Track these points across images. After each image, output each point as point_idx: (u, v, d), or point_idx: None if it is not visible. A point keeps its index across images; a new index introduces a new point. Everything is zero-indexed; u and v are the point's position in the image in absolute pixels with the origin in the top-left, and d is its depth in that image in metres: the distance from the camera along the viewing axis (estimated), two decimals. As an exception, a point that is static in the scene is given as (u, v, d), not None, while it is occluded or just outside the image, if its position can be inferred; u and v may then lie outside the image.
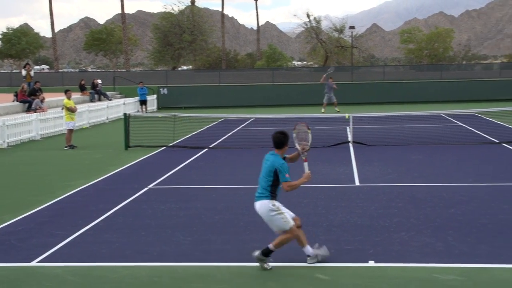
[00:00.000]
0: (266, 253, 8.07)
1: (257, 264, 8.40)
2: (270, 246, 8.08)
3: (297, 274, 7.97)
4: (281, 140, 8.30)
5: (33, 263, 8.70)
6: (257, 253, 8.10)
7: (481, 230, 9.82)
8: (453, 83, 44.51)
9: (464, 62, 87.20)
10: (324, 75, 36.14)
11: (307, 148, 8.78)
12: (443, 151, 18.68)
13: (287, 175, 8.09)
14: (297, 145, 8.72)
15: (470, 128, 24.78)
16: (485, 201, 11.80)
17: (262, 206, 8.13)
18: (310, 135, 8.87)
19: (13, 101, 32.27)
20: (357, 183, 14.07)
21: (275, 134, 8.36)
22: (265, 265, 8.07)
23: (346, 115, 22.03)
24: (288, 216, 8.17)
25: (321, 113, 31.98)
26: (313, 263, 8.17)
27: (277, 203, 8.17)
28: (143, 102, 37.77)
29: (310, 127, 8.90)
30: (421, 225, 10.15)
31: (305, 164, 8.58)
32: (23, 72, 36.94)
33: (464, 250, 8.82)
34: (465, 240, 9.28)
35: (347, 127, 22.77)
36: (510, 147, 19.11)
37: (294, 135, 8.76)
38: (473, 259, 8.41)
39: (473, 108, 29.78)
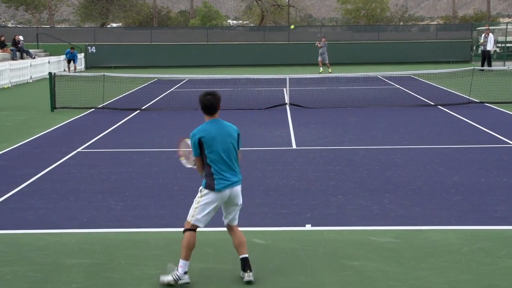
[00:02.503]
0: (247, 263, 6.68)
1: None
2: (245, 255, 6.70)
3: (233, 238, 8.02)
4: (212, 103, 6.60)
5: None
6: (246, 276, 6.62)
7: (416, 192, 10.09)
8: (390, 45, 45.22)
9: (401, 23, 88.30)
10: (318, 41, 35.86)
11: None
12: (379, 114, 19.02)
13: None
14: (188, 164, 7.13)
15: (407, 91, 25.27)
16: (420, 164, 12.10)
17: (239, 189, 6.72)
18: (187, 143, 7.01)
19: None
20: (294, 146, 14.20)
21: (203, 97, 6.61)
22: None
23: (292, 26, 21.67)
24: None
25: (329, 72, 32.69)
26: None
27: None
28: (69, 61, 36.86)
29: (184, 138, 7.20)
30: (358, 188, 10.36)
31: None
32: None
33: (400, 212, 9.06)
34: (400, 202, 9.53)
35: (284, 89, 22.87)
36: (446, 110, 19.60)
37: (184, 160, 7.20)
38: (408, 221, 8.65)
39: (409, 70, 30.40)
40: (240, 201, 6.71)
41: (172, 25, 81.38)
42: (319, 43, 35.50)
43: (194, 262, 7.21)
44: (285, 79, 22.35)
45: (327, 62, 35.26)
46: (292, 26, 18.84)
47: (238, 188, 6.61)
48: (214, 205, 6.53)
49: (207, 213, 6.54)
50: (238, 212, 6.82)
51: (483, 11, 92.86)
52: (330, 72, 33.68)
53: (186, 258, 6.48)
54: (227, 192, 6.50)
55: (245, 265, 6.58)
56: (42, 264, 7.26)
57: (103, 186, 10.73)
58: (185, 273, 6.48)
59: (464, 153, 13.23)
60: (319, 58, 35.42)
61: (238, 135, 6.70)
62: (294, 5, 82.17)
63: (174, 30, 62.81)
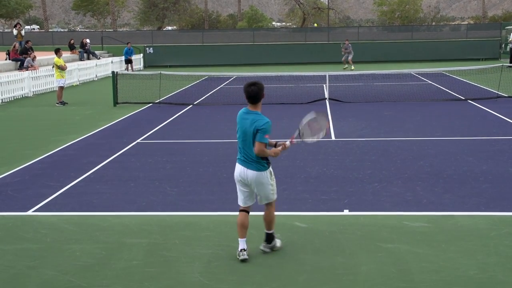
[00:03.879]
0: (271, 238, 6.90)
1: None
2: (268, 231, 6.88)
3: (278, 222, 8.01)
4: (256, 93, 6.56)
5: (30, 212, 8.70)
6: (265, 249, 6.88)
7: (447, 181, 9.95)
8: (423, 43, 44.53)
9: (433, 23, 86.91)
10: (343, 48, 37.17)
11: (304, 139, 7.07)
12: (413, 108, 18.78)
13: (267, 136, 6.47)
14: (302, 124, 6.98)
15: (438, 86, 24.89)
16: (451, 154, 11.93)
17: (259, 177, 6.55)
18: (316, 139, 7.12)
19: (6, 59, 31.80)
20: (333, 137, 14.12)
21: (248, 87, 6.60)
22: (277, 246, 6.96)
23: (315, 24, 21.71)
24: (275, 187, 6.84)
25: (351, 70, 34.03)
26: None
27: (272, 171, 6.76)
28: (128, 61, 37.16)
29: (325, 134, 7.15)
30: (392, 177, 10.26)
31: (289, 142, 6.87)
32: (14, 31, 36.03)
33: (431, 199, 8.95)
34: (432, 190, 9.40)
35: (324, 85, 22.74)
36: (476, 104, 19.26)
37: (313, 116, 7.01)
38: (439, 207, 8.54)
39: (441, 67, 29.91)
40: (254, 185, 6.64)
41: (221, 27, 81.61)
42: (344, 49, 36.57)
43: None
44: (325, 76, 22.22)
45: (343, 60, 36.64)
46: (316, 24, 18.78)
47: (250, 172, 6.60)
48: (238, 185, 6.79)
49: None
50: (267, 193, 6.71)
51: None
52: (344, 69, 34.91)
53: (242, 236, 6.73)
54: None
55: (267, 238, 6.92)
56: (106, 242, 7.38)
57: (160, 174, 10.84)
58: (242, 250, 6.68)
59: (493, 144, 12.98)
60: (349, 57, 35.97)
61: (257, 129, 6.45)
62: (333, 7, 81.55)
63: (223, 32, 62.97)
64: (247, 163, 6.57)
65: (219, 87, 26.71)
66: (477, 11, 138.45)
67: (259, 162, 6.55)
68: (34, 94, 24.95)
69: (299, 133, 6.96)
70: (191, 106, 20.27)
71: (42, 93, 25.51)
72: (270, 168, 6.70)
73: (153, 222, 8.17)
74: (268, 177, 6.61)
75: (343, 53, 36.81)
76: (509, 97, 20.56)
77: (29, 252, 7.11)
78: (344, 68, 35.35)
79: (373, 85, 25.22)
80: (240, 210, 6.77)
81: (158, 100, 21.21)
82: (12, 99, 23.26)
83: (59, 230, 7.88)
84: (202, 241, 7.37)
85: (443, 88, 24.19)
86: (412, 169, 10.81)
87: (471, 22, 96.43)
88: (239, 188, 6.74)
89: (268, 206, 6.78)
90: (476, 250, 6.89)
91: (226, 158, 11.86)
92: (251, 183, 6.59)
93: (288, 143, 6.83)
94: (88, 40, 41.01)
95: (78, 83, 29.90)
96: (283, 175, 10.42)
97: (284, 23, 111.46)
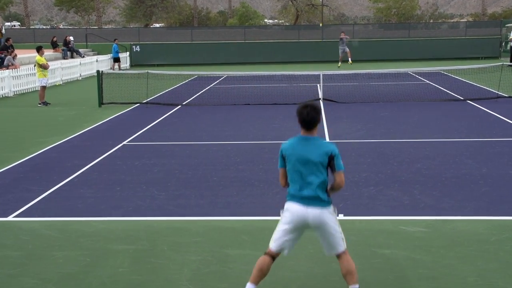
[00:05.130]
0: None
1: (230, 217, 8.46)
2: (353, 286, 5.63)
3: (269, 227, 8.01)
4: (313, 118, 5.52)
5: (10, 218, 8.66)
6: None
7: (445, 184, 9.98)
8: (420, 42, 44.69)
9: (431, 21, 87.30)
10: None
11: None
12: (410, 108, 18.84)
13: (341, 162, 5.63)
14: None
15: (437, 86, 24.99)
16: (449, 156, 11.97)
17: (322, 216, 5.51)
18: None
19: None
20: (327, 139, 14.15)
21: (303, 109, 5.52)
22: None
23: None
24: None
25: (338, 67, 33.85)
26: None
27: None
28: (116, 60, 37.29)
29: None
30: (389, 180, 10.29)
31: None
32: None
33: (429, 203, 8.98)
34: (430, 193, 9.44)
35: (318, 85, 22.78)
36: (475, 104, 19.34)
37: None
38: (437, 211, 8.57)
39: (439, 66, 30.02)
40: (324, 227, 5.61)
41: (211, 25, 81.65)
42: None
43: (231, 249, 7.26)
44: (318, 75, 22.26)
45: (340, 57, 36.62)
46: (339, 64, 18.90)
47: (312, 211, 5.54)
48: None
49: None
50: (334, 239, 5.67)
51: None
52: (339, 67, 34.67)
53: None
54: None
55: None
56: (91, 249, 7.37)
57: (147, 177, 10.83)
58: None
59: (493, 146, 13.05)
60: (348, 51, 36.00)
61: (331, 154, 5.54)
62: (328, 4, 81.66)
63: (213, 30, 62.99)
64: (308, 200, 5.51)
65: (209, 86, 26.69)
66: (476, 8, 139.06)
67: (319, 194, 5.52)
68: (15, 94, 24.85)
69: None
70: (179, 106, 20.25)
71: (24, 93, 25.42)
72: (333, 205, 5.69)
73: (140, 227, 8.16)
74: (333, 214, 5.64)
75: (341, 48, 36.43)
76: (509, 97, 20.65)
77: (9, 260, 7.08)
78: (339, 67, 35.28)
79: (369, 84, 25.27)
80: (266, 254, 5.72)
81: (146, 101, 21.18)
82: (-8, 99, 23.19)
83: (41, 237, 7.85)
84: (191, 247, 7.36)
85: (441, 88, 24.28)
86: (409, 172, 10.84)
87: (470, 19, 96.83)
88: (286, 229, 5.65)
89: (342, 255, 5.70)
90: (476, 256, 6.92)
91: (216, 161, 11.87)
92: (314, 225, 5.59)
93: None
94: (71, 38, 40.92)
95: (61, 83, 29.82)
96: (276, 178, 10.39)
97: (276, 21, 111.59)
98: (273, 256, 5.71)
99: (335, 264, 6.75)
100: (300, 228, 5.67)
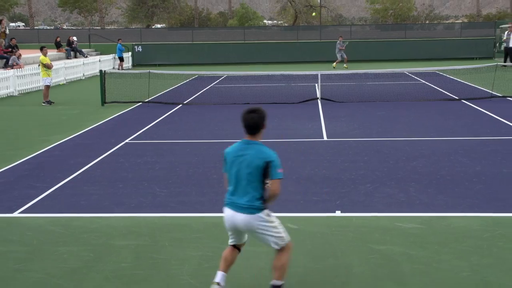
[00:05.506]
0: None
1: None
2: (275, 281, 5.67)
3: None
4: (256, 123, 5.52)
5: (15, 214, 8.69)
6: None
7: (440, 181, 10.00)
8: (416, 42, 44.67)
9: (427, 22, 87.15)
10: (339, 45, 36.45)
11: None
12: (406, 107, 18.86)
13: (281, 171, 5.43)
14: None
15: (432, 86, 25.00)
16: (444, 155, 11.99)
17: (250, 222, 5.50)
18: None
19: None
20: (325, 137, 14.17)
21: (247, 115, 5.53)
22: None
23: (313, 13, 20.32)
24: (282, 227, 5.79)
25: (333, 68, 32.91)
26: None
27: (270, 212, 5.68)
28: (120, 59, 37.37)
29: None
30: (385, 177, 10.31)
31: None
32: None
33: (424, 200, 9.00)
34: (425, 191, 9.46)
35: (316, 84, 22.80)
36: (469, 103, 19.36)
37: None
38: (432, 208, 8.59)
39: (435, 66, 30.05)
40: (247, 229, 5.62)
41: (211, 26, 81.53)
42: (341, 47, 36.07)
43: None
44: (316, 75, 22.29)
45: (338, 60, 36.31)
46: (313, 14, 18.07)
47: (240, 216, 5.54)
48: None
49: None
50: (267, 240, 5.66)
51: (506, 9, 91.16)
52: (334, 67, 34.43)
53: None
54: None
55: None
56: (94, 245, 7.39)
57: (149, 174, 10.85)
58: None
59: (487, 144, 13.07)
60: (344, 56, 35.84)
61: (267, 163, 5.39)
62: (326, 5, 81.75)
63: (213, 30, 62.94)
64: (238, 206, 5.52)
65: (209, 86, 26.71)
66: (471, 9, 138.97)
67: (252, 203, 5.48)
68: (19, 93, 24.86)
69: None
70: (180, 105, 20.27)
71: (28, 92, 25.43)
72: (266, 210, 5.60)
73: (142, 224, 8.18)
74: (263, 216, 5.54)
75: (340, 51, 36.26)
76: (503, 97, 20.67)
77: (15, 255, 7.10)
78: (334, 67, 35.19)
79: (366, 84, 25.30)
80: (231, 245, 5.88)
81: (147, 100, 21.21)
82: (-3, 98, 23.20)
83: (46, 232, 7.87)
84: (192, 243, 7.39)
85: (436, 87, 24.30)
86: (405, 169, 10.86)
87: (465, 20, 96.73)
88: (228, 230, 5.79)
89: (277, 251, 5.73)
90: (470, 252, 6.94)
91: (216, 159, 11.88)
92: (244, 230, 5.64)
93: None
94: (75, 38, 40.92)
95: (65, 82, 29.82)
96: (274, 176, 10.45)
97: (275, 21, 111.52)
98: (237, 247, 5.88)
99: (332, 259, 6.79)
100: (236, 230, 5.69)
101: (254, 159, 5.43)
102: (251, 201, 5.48)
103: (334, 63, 35.99)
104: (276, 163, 5.41)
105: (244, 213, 5.50)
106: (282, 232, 5.70)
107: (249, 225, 5.53)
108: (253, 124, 5.51)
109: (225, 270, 5.79)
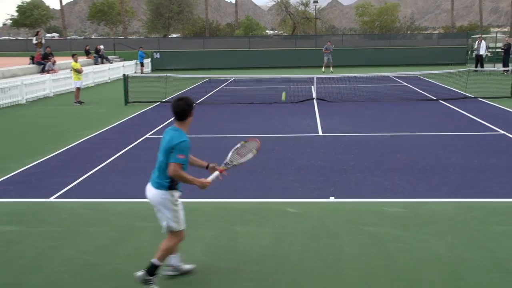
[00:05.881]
0: (152, 271, 5.42)
1: (237, 199, 8.46)
2: (154, 260, 5.43)
3: (271, 208, 8.07)
4: (182, 109, 5.43)
5: (51, 199, 8.69)
6: (140, 273, 5.43)
7: (421, 171, 9.98)
8: (399, 50, 44.46)
9: (408, 32, 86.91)
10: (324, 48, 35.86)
11: (234, 164, 6.12)
12: (390, 107, 18.80)
13: (181, 156, 5.27)
14: (229, 156, 6.14)
15: (413, 87, 24.92)
16: (424, 148, 11.95)
17: (155, 196, 5.41)
18: (249, 157, 6.07)
19: (30, 64, 31.69)
20: (320, 133, 14.13)
21: (174, 102, 5.42)
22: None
23: (283, 97, 19.89)
24: (182, 217, 5.55)
25: (331, 73, 32.20)
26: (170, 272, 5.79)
27: (176, 195, 5.50)
28: (141, 64, 37.35)
29: (258, 150, 6.15)
30: (373, 168, 10.29)
31: (216, 174, 5.98)
32: (34, 40, 35.41)
33: (407, 187, 8.98)
34: (408, 179, 9.43)
35: (312, 86, 22.73)
36: (445, 103, 19.29)
37: (238, 145, 6.18)
38: (414, 194, 8.57)
39: (415, 71, 29.91)
40: (154, 204, 5.49)
41: (220, 35, 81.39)
42: (325, 50, 35.56)
43: (238, 226, 7.26)
44: (312, 78, 22.22)
45: (325, 63, 35.67)
46: (283, 98, 17.69)
47: (149, 188, 5.50)
48: None
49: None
50: (164, 218, 5.49)
51: (477, 22, 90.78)
52: (323, 72, 33.53)
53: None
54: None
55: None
56: (119, 226, 7.39)
57: (167, 165, 10.81)
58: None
59: (460, 139, 13.03)
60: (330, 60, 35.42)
61: (173, 148, 5.27)
62: (320, 17, 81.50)
63: (222, 39, 62.82)
64: (152, 181, 5.49)
65: (219, 88, 26.65)
66: (447, 21, 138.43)
67: (160, 179, 5.39)
68: (54, 95, 24.86)
69: (227, 163, 6.04)
70: (194, 105, 20.19)
71: (61, 94, 25.42)
72: (174, 191, 5.44)
73: (160, 207, 8.16)
74: (168, 196, 5.39)
75: (325, 54, 35.76)
76: (474, 97, 20.58)
77: (51, 234, 7.11)
78: (323, 72, 34.40)
79: (356, 86, 25.22)
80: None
81: (164, 100, 21.17)
82: (35, 99, 23.18)
83: (77, 215, 7.88)
84: (204, 224, 7.38)
85: (417, 89, 24.21)
86: (390, 161, 10.83)
87: (442, 31, 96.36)
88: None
89: (168, 235, 5.55)
90: (446, 232, 6.93)
91: (225, 151, 11.76)
92: (152, 203, 5.50)
93: (217, 175, 5.88)
94: (102, 46, 40.88)
95: (93, 85, 29.79)
96: (276, 166, 10.44)
97: (276, 31, 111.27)
98: None
99: (326, 239, 6.77)
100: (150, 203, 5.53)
101: (166, 143, 5.33)
102: (160, 178, 5.36)
103: (323, 68, 35.51)
104: (179, 149, 5.23)
105: (153, 187, 5.42)
106: (179, 219, 5.46)
107: (153, 198, 5.42)
108: (180, 110, 5.40)
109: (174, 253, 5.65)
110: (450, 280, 5.65)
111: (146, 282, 5.39)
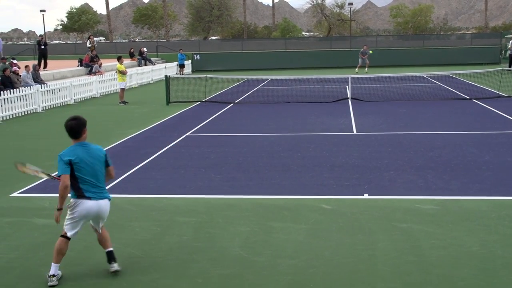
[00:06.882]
0: (111, 257, 5.80)
1: (274, 196, 8.44)
2: (111, 248, 5.86)
3: (306, 204, 8.03)
4: (74, 129, 5.48)
5: (97, 195, 8.82)
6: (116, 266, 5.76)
7: (454, 169, 9.78)
8: (433, 50, 43.73)
9: (441, 33, 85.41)
10: (360, 53, 35.33)
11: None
12: (424, 106, 18.49)
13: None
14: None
15: (446, 87, 24.45)
16: (457, 146, 11.72)
17: (107, 205, 5.71)
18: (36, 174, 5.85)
19: (78, 66, 32.32)
20: (354, 131, 14.00)
21: (68, 122, 5.47)
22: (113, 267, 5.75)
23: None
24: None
25: (355, 73, 31.75)
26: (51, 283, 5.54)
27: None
28: (181, 66, 37.66)
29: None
30: (406, 166, 10.13)
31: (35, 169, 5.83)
32: (89, 43, 35.71)
33: (440, 185, 8.81)
34: (441, 177, 9.26)
35: (347, 86, 22.54)
36: (479, 102, 18.87)
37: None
38: (446, 192, 8.41)
39: (448, 71, 29.34)
40: (106, 215, 5.74)
41: (258, 37, 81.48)
42: (362, 55, 35.00)
43: (275, 222, 7.25)
44: (347, 78, 22.03)
45: (359, 64, 34.97)
46: (370, 51, 17.60)
47: (104, 202, 5.64)
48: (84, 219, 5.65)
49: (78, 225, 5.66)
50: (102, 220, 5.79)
51: (511, 22, 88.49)
52: (356, 72, 32.89)
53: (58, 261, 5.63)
54: (94, 206, 5.56)
55: (110, 257, 5.79)
56: (161, 220, 7.46)
57: (205, 162, 10.89)
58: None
59: (494, 137, 12.71)
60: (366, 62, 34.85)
61: (105, 155, 5.72)
62: (355, 19, 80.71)
63: (260, 41, 62.84)
64: (103, 194, 5.63)
65: (256, 88, 26.67)
66: (480, 22, 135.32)
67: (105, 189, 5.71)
68: (100, 95, 25.30)
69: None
70: (232, 104, 20.30)
71: (107, 94, 25.85)
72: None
73: (200, 203, 8.22)
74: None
75: (361, 58, 35.43)
76: (508, 96, 20.07)
77: (97, 228, 7.21)
78: (357, 72, 33.78)
79: (390, 86, 24.89)
80: (64, 236, 5.64)
81: (204, 99, 21.30)
82: (83, 99, 23.63)
83: (121, 210, 7.99)
84: (242, 220, 7.39)
85: (450, 88, 23.75)
86: (423, 159, 10.65)
87: (475, 31, 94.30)
88: (79, 223, 5.64)
89: (103, 229, 5.88)
90: (479, 230, 6.77)
91: (262, 149, 11.86)
92: (102, 213, 5.68)
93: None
94: (145, 49, 41.37)
95: (137, 86, 30.19)
96: (312, 163, 10.39)
97: (312, 33, 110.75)
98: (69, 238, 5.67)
99: (360, 235, 6.70)
100: (92, 218, 5.73)
101: (99, 155, 5.69)
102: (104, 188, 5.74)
103: (356, 68, 34.96)
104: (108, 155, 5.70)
105: (107, 199, 5.72)
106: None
107: (106, 209, 5.74)
108: (72, 130, 5.50)
109: (59, 262, 5.63)
110: (482, 276, 5.52)
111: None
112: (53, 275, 5.54)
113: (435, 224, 6.99)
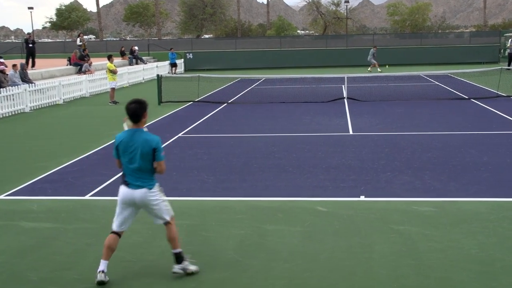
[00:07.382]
0: (181, 258, 5.78)
1: (268, 198, 8.45)
2: (175, 250, 5.81)
3: (301, 206, 8.04)
4: (135, 112, 5.68)
5: (87, 197, 8.82)
6: (177, 267, 5.77)
7: (452, 170, 9.82)
8: (430, 49, 43.88)
9: (439, 31, 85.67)
10: (372, 59, 35.05)
11: None
12: (421, 106, 18.55)
13: (163, 153, 5.69)
14: None
15: (444, 86, 24.54)
16: (455, 147, 11.76)
17: (144, 197, 5.59)
18: None
19: (67, 65, 32.23)
20: (350, 132, 14.03)
21: (129, 105, 5.70)
22: (191, 268, 5.80)
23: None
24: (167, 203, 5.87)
25: (378, 72, 31.61)
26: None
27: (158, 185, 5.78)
28: (173, 65, 37.62)
29: None
30: (403, 167, 10.16)
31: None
32: (79, 41, 35.37)
33: (438, 186, 8.84)
34: (438, 178, 9.29)
35: (343, 86, 22.58)
36: (477, 102, 18.94)
37: None
38: (444, 194, 8.44)
39: (446, 70, 29.45)
40: (147, 205, 5.65)
41: (252, 35, 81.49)
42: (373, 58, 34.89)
43: (269, 224, 7.25)
44: (343, 77, 22.07)
45: (377, 63, 34.79)
46: (379, 70, 17.72)
47: (139, 192, 5.58)
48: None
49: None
50: (161, 211, 5.74)
51: (510, 20, 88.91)
52: (369, 71, 32.85)
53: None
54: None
55: (175, 259, 5.78)
56: (152, 223, 7.36)
57: (198, 164, 10.89)
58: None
59: (492, 138, 12.77)
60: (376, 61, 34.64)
61: (155, 149, 5.57)
62: (351, 17, 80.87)
63: (254, 39, 62.90)
64: (135, 185, 5.58)
65: (250, 87, 26.68)
66: (479, 20, 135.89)
67: (145, 179, 5.61)
68: (90, 95, 25.23)
69: None
70: (225, 104, 20.30)
71: (97, 94, 25.79)
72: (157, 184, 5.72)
73: (192, 206, 8.22)
74: (159, 192, 5.72)
75: (373, 60, 35.02)
76: (507, 96, 20.17)
77: (87, 231, 7.21)
78: (369, 71, 33.52)
79: (387, 85, 24.96)
80: (112, 232, 5.77)
81: (197, 99, 21.29)
82: (72, 99, 23.57)
83: (112, 212, 7.86)
84: (235, 222, 7.39)
85: (448, 88, 23.83)
86: (421, 160, 10.68)
87: (474, 30, 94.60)
88: (120, 211, 5.75)
89: (168, 225, 5.82)
90: (477, 232, 6.79)
91: (256, 150, 11.87)
92: (140, 204, 5.66)
93: None
94: (136, 48, 41.33)
95: (127, 85, 30.14)
96: (307, 165, 10.40)
97: (307, 31, 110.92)
98: (119, 234, 5.76)
99: (357, 238, 6.71)
100: (131, 207, 5.70)
101: (143, 145, 5.57)
102: (144, 180, 5.60)
103: (370, 68, 34.66)
104: (161, 148, 5.61)
105: (139, 189, 5.58)
106: (169, 206, 5.79)
107: (143, 200, 5.60)
108: (133, 113, 5.65)
109: (108, 259, 5.68)
110: (481, 280, 5.54)
111: (185, 268, 5.74)
112: (102, 271, 5.58)
113: (432, 226, 7.01)
